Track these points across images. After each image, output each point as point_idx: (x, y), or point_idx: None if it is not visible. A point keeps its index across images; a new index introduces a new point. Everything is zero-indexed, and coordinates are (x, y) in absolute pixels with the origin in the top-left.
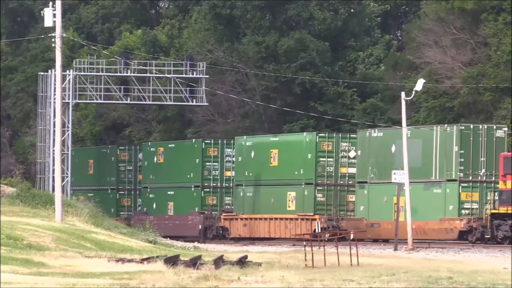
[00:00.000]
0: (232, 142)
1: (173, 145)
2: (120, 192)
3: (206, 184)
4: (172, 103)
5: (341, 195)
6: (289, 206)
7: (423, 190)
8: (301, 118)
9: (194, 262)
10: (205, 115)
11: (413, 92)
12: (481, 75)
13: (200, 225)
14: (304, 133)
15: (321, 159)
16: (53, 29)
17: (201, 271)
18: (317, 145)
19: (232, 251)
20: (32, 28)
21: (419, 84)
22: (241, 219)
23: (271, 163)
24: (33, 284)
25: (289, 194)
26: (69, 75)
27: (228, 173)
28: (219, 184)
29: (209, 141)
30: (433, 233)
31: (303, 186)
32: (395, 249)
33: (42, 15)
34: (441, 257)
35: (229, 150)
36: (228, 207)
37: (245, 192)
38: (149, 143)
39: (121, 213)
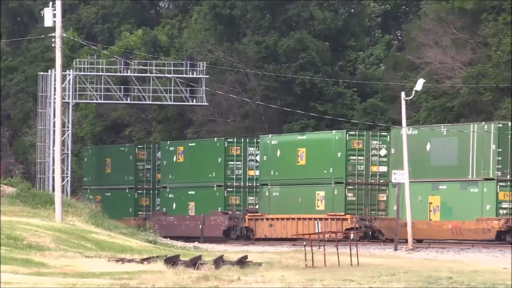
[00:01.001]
0: (255, 140)
1: (193, 144)
2: (138, 192)
3: (229, 183)
4: (172, 103)
5: (372, 194)
6: (318, 206)
7: (460, 189)
8: (301, 118)
9: (194, 262)
10: (205, 115)
11: (413, 92)
12: (481, 75)
13: (223, 226)
14: (333, 131)
15: (351, 157)
16: (53, 29)
17: (201, 271)
18: (347, 143)
19: (232, 251)
20: (32, 28)
21: (419, 84)
22: (267, 219)
23: (298, 162)
24: (33, 284)
25: (318, 194)
26: (69, 75)
27: (251, 172)
28: (242, 184)
29: (231, 140)
30: (469, 233)
31: (332, 185)
32: (395, 249)
33: (42, 15)
34: (441, 257)
35: (252, 149)
36: (251, 207)
37: (271, 191)
38: (168, 142)
39: (139, 213)
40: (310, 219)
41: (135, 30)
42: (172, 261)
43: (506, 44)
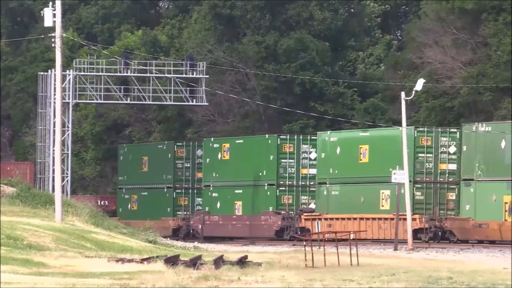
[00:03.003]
0: (309, 137)
1: (241, 141)
2: (177, 191)
3: (281, 182)
4: (172, 103)
5: (440, 193)
6: (382, 205)
7: None
8: (301, 118)
9: (194, 262)
10: (205, 115)
11: (413, 92)
12: (481, 75)
13: (275, 226)
14: (400, 128)
15: (420, 155)
16: (53, 29)
17: (201, 271)
18: (416, 140)
19: (232, 251)
20: (32, 28)
21: (419, 84)
22: (325, 219)
23: (361, 160)
24: (33, 284)
25: (383, 193)
26: (69, 75)
27: (305, 171)
28: (295, 183)
29: (284, 137)
30: None
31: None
32: (395, 249)
33: (42, 15)
34: (441, 257)
35: (306, 146)
36: (305, 206)
37: (330, 190)
38: (212, 138)
39: (178, 213)
40: (373, 219)
41: (135, 30)
42: (172, 261)
43: (506, 44)
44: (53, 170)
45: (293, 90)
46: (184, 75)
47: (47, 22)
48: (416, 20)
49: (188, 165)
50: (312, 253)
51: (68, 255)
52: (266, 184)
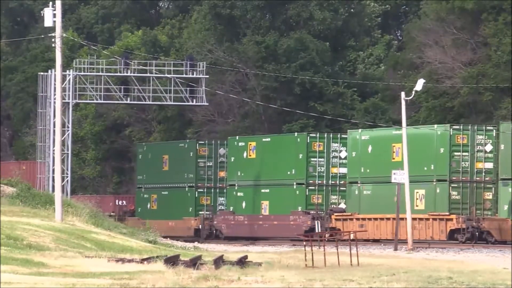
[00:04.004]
0: (339, 136)
1: (268, 139)
2: (199, 190)
3: (311, 181)
4: (172, 103)
5: (477, 192)
6: (416, 205)
7: None
8: (301, 118)
9: (194, 262)
10: (205, 115)
11: (413, 92)
12: (481, 75)
13: (305, 226)
14: (435, 126)
15: (456, 153)
16: (53, 29)
17: (201, 271)
18: (451, 138)
19: (232, 251)
20: (32, 28)
21: (419, 84)
22: (357, 219)
23: (394, 159)
24: (33, 284)
25: (417, 192)
26: (69, 75)
27: (335, 170)
28: (324, 182)
29: (314, 135)
30: None
31: (434, 183)
32: (395, 249)
33: (42, 15)
34: (441, 257)
35: (336, 144)
36: (335, 206)
37: (361, 190)
38: (237, 137)
39: (200, 212)
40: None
41: (135, 30)
42: (172, 261)
43: (506, 44)
44: (53, 170)
45: (293, 90)
46: (184, 75)
47: (47, 22)
48: (416, 20)
49: (210, 164)
50: (312, 253)
51: (68, 255)
52: (295, 183)
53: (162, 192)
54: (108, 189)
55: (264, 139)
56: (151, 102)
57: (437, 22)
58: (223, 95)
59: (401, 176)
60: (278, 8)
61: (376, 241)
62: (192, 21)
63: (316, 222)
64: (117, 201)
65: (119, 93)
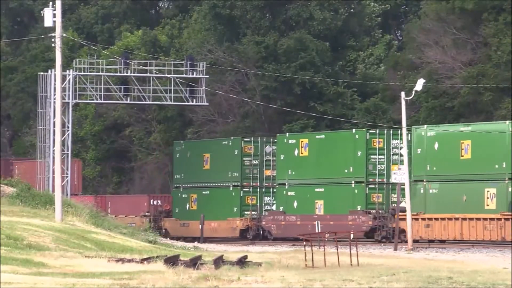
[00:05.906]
0: (399, 132)
1: (322, 136)
2: (244, 189)
3: (370, 180)
4: (172, 103)
5: None
6: (487, 205)
7: None
8: (301, 118)
9: (194, 262)
10: (205, 115)
11: (413, 92)
12: (481, 75)
13: (365, 226)
14: (507, 122)
15: None
16: (53, 29)
17: (201, 271)
18: None
19: (232, 251)
20: (32, 28)
21: (419, 84)
22: (423, 219)
23: (462, 156)
24: (33, 284)
25: (488, 191)
26: (69, 75)
27: (395, 168)
28: (385, 180)
29: (374, 131)
30: None
31: (506, 181)
32: (395, 249)
33: (42, 15)
34: (441, 257)
35: (396, 141)
36: (395, 205)
37: (427, 188)
38: (287, 134)
39: (246, 212)
40: (478, 219)
41: (135, 30)
42: (172, 261)
43: (506, 44)
44: (53, 170)
45: (293, 90)
46: (184, 75)
47: (47, 22)
48: (416, 20)
49: (256, 162)
50: (312, 253)
51: (68, 255)
52: (353, 182)
53: (203, 192)
54: (108, 189)
55: (317, 136)
56: (151, 102)
57: (437, 22)
58: (223, 95)
59: (401, 176)
60: (278, 8)
61: (442, 242)
62: (192, 21)
63: (316, 222)
64: (151, 200)
65: (119, 93)
